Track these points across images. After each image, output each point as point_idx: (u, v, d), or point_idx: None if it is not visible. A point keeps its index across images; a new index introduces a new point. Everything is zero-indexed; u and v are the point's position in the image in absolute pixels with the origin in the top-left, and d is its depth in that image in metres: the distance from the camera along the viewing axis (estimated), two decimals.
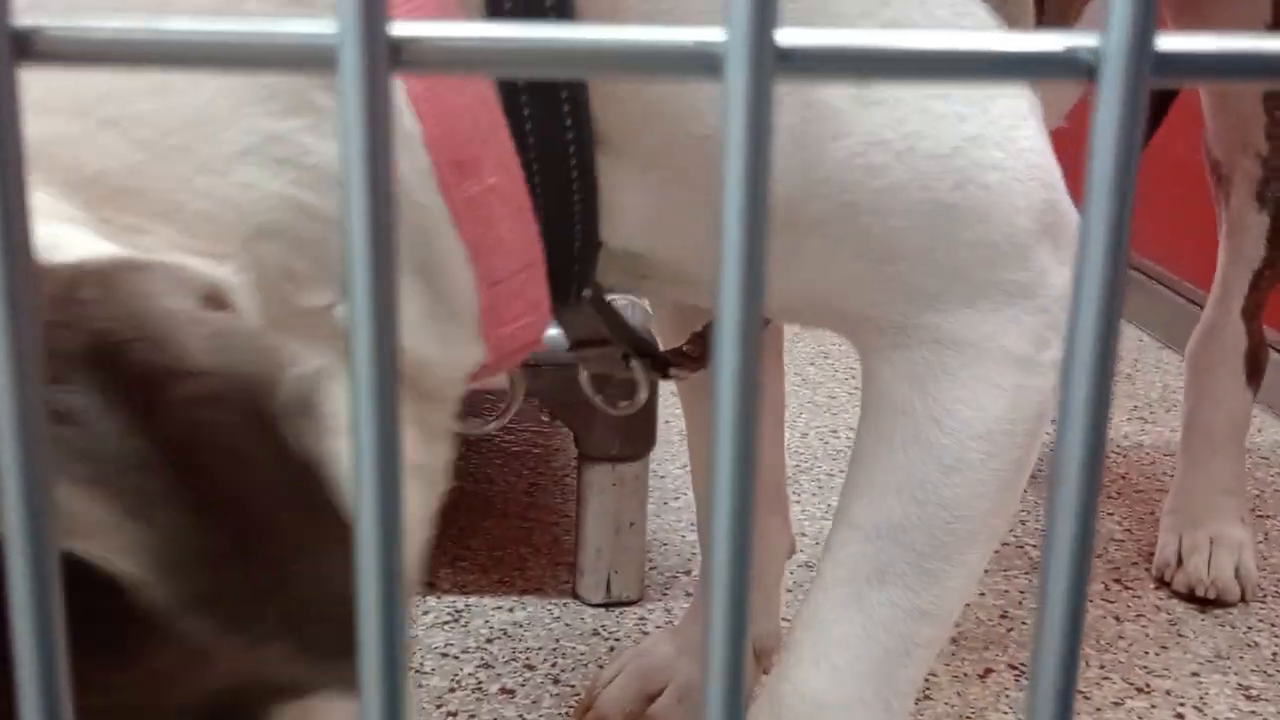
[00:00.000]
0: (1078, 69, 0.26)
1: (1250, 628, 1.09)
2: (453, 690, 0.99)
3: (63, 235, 0.41)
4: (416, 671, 1.01)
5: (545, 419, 1.18)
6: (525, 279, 0.53)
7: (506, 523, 1.25)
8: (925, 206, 0.53)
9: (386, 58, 0.21)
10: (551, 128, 0.51)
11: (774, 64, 0.25)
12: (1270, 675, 1.03)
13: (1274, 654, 1.05)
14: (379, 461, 0.26)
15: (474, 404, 0.62)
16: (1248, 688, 1.01)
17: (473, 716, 0.97)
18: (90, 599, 0.36)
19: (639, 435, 1.09)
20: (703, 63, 0.26)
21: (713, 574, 0.28)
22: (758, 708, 0.60)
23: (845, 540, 0.59)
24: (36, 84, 0.45)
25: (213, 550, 0.36)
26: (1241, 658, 1.05)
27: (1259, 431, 1.47)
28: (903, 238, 0.54)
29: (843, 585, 0.58)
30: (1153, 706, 0.98)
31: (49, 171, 0.44)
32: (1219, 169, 1.14)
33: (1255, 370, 1.18)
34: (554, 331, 1.06)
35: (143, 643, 0.38)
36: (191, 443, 0.36)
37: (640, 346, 0.70)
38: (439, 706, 0.97)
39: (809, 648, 0.59)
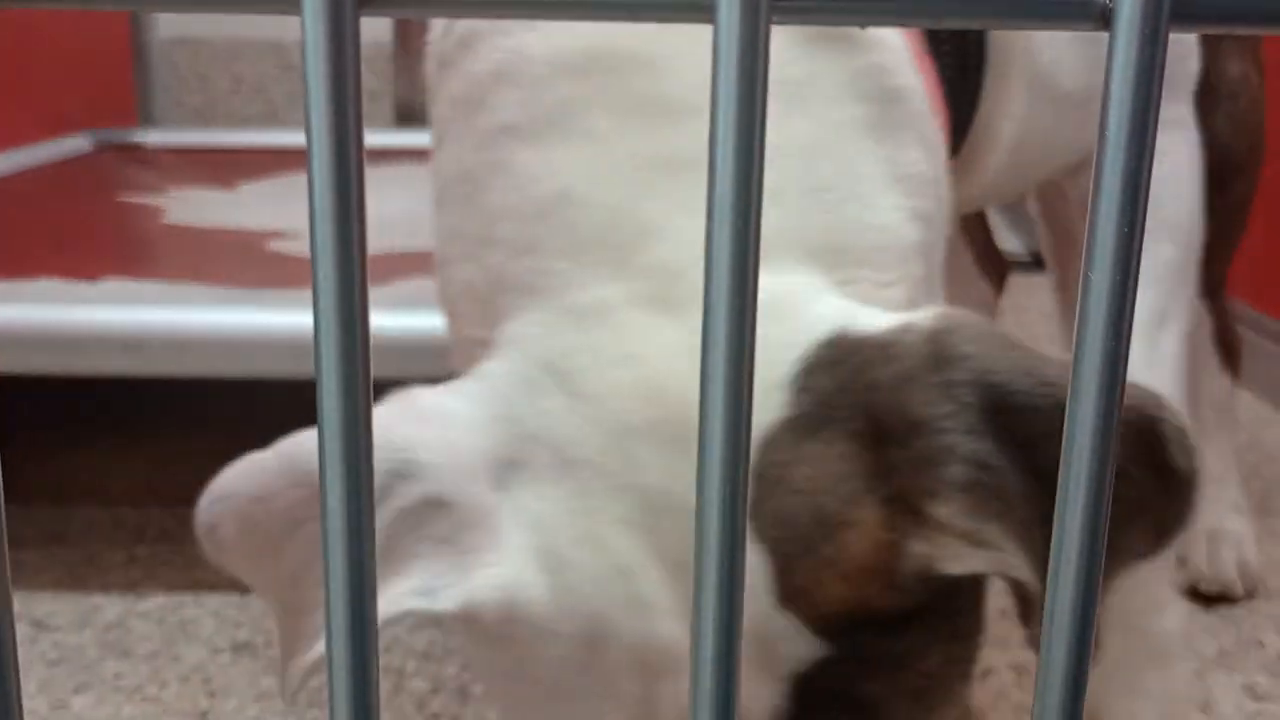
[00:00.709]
0: (1092, 15, 0.23)
1: (1256, 625, 1.07)
2: (435, 692, 0.97)
3: (846, 307, 0.48)
4: (399, 674, 0.98)
5: None
6: None
7: None
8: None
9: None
10: (958, 71, 0.61)
11: (769, 6, 0.22)
12: (1277, 674, 1.00)
13: None
14: (347, 434, 0.23)
15: None
16: (1253, 686, 0.98)
17: (456, 718, 0.94)
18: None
19: None
20: (694, 3, 0.23)
21: (702, 566, 0.25)
22: None
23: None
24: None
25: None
26: (1247, 656, 1.02)
27: (1266, 427, 1.44)
28: None
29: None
30: None
31: (792, 251, 0.49)
32: None
33: (1229, 351, 1.15)
34: None
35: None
36: None
37: None
38: (421, 708, 0.94)
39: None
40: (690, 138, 0.49)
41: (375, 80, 2.06)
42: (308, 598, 0.47)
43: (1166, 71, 0.80)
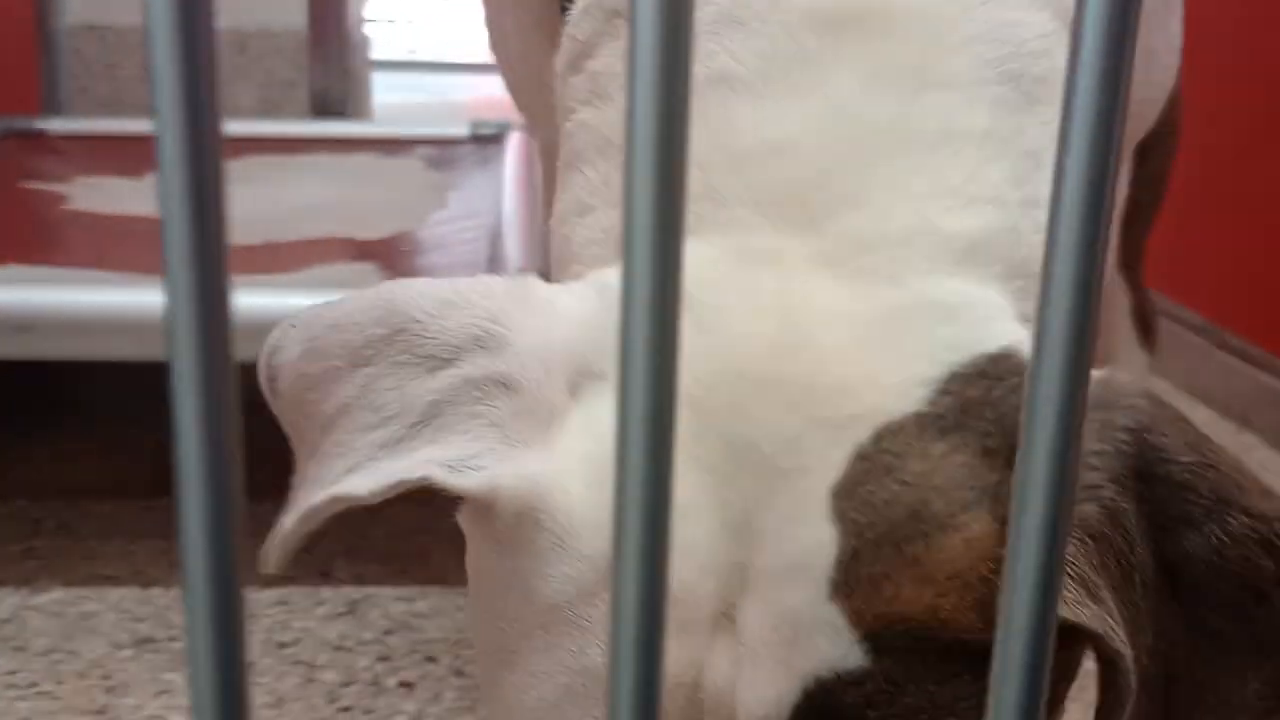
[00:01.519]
0: None
1: None
2: (348, 684, 0.93)
3: (1025, 334, 0.44)
4: (309, 666, 0.95)
5: None
6: None
7: (406, 510, 1.19)
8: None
9: None
10: None
11: None
12: None
13: None
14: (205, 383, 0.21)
15: None
16: None
17: (369, 711, 0.91)
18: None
19: None
20: None
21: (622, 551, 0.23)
22: None
23: None
24: (952, 175, 0.47)
25: (1158, 667, 0.39)
26: None
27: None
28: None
29: None
30: None
31: (992, 264, 0.46)
32: None
33: (1146, 328, 1.15)
34: None
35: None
36: (1220, 575, 0.39)
37: None
38: (332, 701, 0.91)
39: None
40: (932, 113, 0.47)
41: (290, 69, 2.02)
42: (333, 443, 0.44)
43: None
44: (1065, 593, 0.38)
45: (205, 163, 0.19)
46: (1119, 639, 0.38)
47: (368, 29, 2.25)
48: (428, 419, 0.43)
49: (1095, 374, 0.42)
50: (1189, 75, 1.00)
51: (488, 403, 0.43)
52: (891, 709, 0.40)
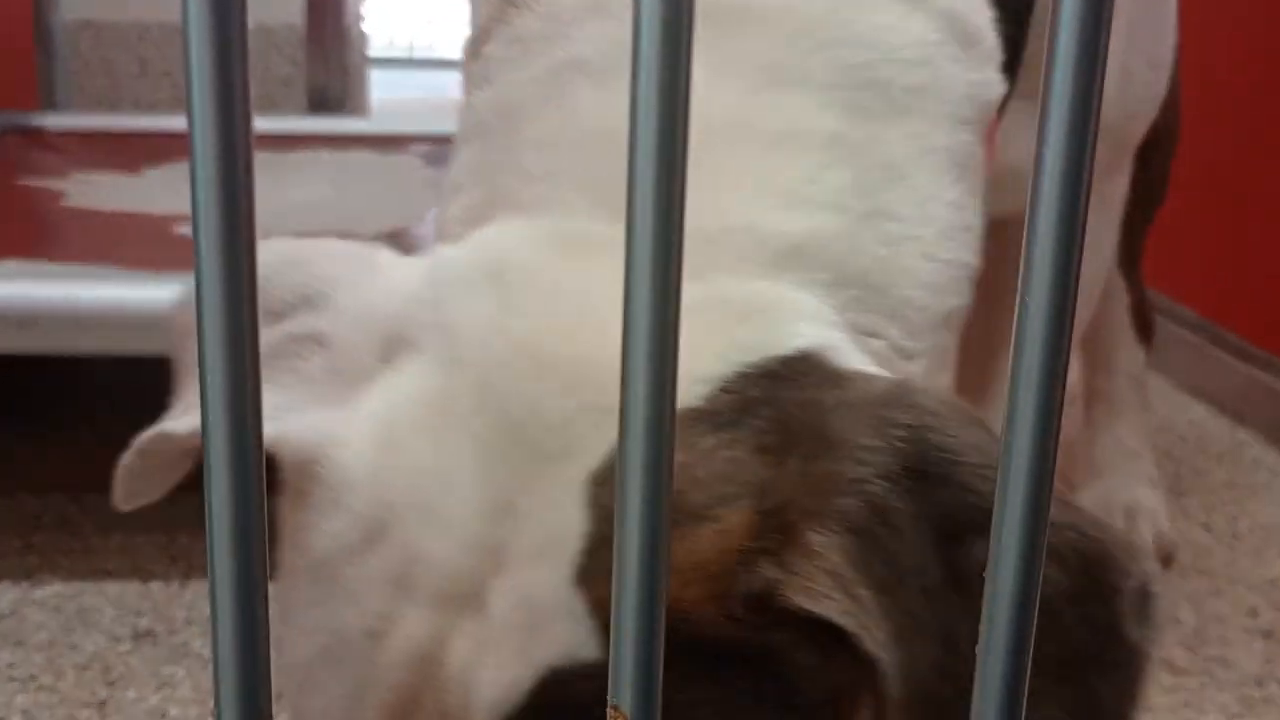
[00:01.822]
0: None
1: (1172, 602, 1.07)
2: None
3: (830, 338, 0.43)
4: None
5: None
6: None
7: None
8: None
9: None
10: None
11: None
12: (1193, 649, 1.01)
13: (1196, 629, 1.04)
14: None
15: None
16: (1171, 662, 0.99)
17: None
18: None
19: None
20: None
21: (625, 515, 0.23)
22: None
23: None
24: (786, 176, 0.43)
25: (951, 687, 0.36)
26: (1165, 632, 1.03)
27: (1179, 411, 1.46)
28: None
29: None
30: None
31: (817, 270, 0.44)
32: None
33: (1144, 325, 1.16)
34: None
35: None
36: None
37: None
38: None
39: None
40: (775, 112, 0.46)
41: (288, 65, 2.02)
42: (187, 386, 0.48)
43: (1102, 194, 0.78)
44: (811, 585, 0.37)
45: (236, 157, 0.20)
46: (874, 640, 0.36)
47: (365, 25, 2.25)
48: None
49: (893, 379, 0.41)
50: (1187, 78, 1.00)
51: (303, 359, 0.44)
52: None
